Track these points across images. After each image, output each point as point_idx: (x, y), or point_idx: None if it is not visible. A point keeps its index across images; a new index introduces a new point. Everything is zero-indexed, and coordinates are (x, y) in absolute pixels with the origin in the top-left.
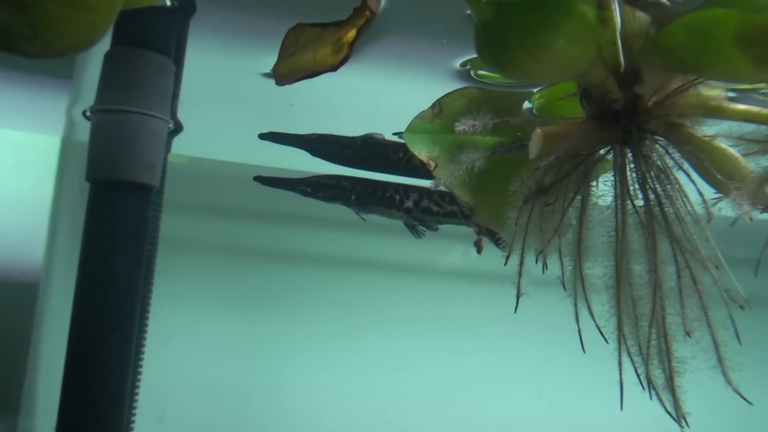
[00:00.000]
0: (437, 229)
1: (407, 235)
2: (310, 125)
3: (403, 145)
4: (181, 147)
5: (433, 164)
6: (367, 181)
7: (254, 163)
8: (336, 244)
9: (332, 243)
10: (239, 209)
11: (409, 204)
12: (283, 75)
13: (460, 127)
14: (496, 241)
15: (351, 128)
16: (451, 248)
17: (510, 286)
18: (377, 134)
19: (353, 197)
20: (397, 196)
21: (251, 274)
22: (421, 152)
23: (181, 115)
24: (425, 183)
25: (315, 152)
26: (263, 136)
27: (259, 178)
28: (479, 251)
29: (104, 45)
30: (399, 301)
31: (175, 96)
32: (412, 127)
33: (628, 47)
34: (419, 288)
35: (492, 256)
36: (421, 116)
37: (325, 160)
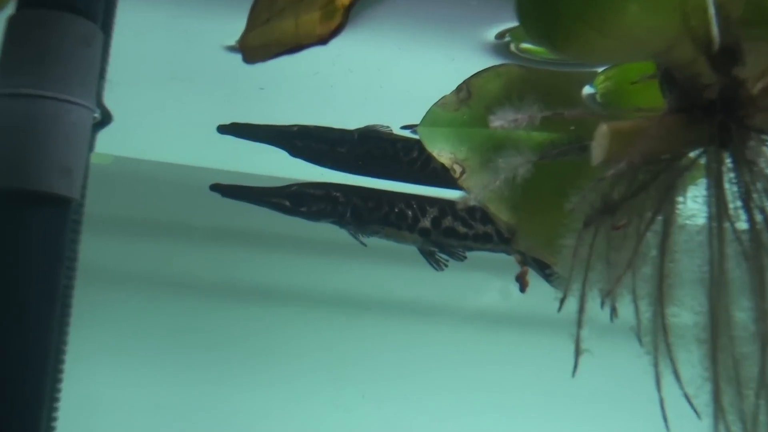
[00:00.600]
0: (465, 257)
1: (424, 266)
2: (289, 114)
3: (418, 142)
4: (107, 143)
5: (459, 170)
6: (367, 191)
7: (211, 167)
8: (324, 278)
9: (319, 276)
10: (187, 228)
11: (426, 223)
12: (253, 49)
13: (496, 121)
14: (547, 275)
15: (345, 118)
16: (484, 284)
17: (565, 337)
18: (381, 126)
19: (349, 214)
20: (410, 213)
21: (203, 317)
22: (443, 153)
23: (110, 100)
24: (448, 194)
25: (296, 151)
26: (224, 129)
27: (217, 187)
28: (523, 288)
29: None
30: (412, 356)
31: (102, 75)
32: (430, 119)
33: (724, 15)
34: (440, 338)
35: (540, 295)
36: (442, 103)
37: (310, 163)
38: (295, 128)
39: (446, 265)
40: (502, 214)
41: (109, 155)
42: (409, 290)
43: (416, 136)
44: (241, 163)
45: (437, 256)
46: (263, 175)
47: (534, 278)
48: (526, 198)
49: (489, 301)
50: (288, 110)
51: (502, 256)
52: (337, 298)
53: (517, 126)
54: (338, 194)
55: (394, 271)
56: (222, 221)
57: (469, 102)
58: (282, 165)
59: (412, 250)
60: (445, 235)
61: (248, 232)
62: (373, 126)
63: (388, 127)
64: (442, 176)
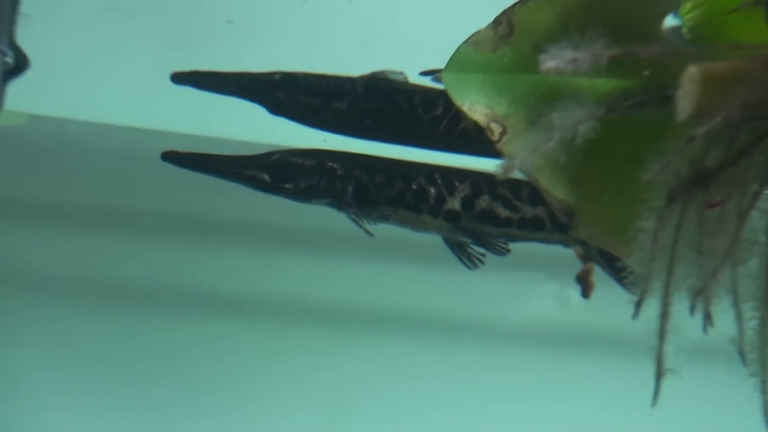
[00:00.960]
0: (507, 250)
1: (451, 263)
2: (267, 57)
3: (442, 94)
4: (22, 98)
5: (497, 130)
6: (375, 161)
7: (162, 129)
8: (316, 281)
9: (308, 278)
10: (131, 214)
11: (454, 204)
12: None
13: (549, 61)
14: (617, 272)
15: (343, 62)
16: (532, 288)
17: (642, 354)
18: (393, 73)
19: (350, 191)
20: (433, 190)
21: (149, 330)
22: (476, 107)
23: (24, 40)
24: (484, 164)
25: (278, 107)
26: (181, 79)
27: (172, 156)
28: (586, 292)
29: None
30: (435, 387)
31: (14, 8)
32: (458, 62)
33: None
34: (473, 362)
35: (608, 300)
36: (474, 41)
37: (297, 123)
38: (277, 76)
39: (482, 262)
40: (557, 190)
41: (24, 114)
42: (430, 297)
43: (439, 86)
44: (202, 125)
45: (469, 250)
46: (232, 140)
47: (601, 278)
48: (589, 166)
49: (540, 311)
50: (266, 52)
51: (557, 248)
52: (334, 308)
53: (576, 69)
54: (335, 165)
55: (409, 271)
56: (178, 204)
57: (510, 39)
58: (259, 128)
59: (435, 241)
60: (481, 221)
61: (213, 219)
62: (382, 72)
63: (402, 74)
64: (476, 140)
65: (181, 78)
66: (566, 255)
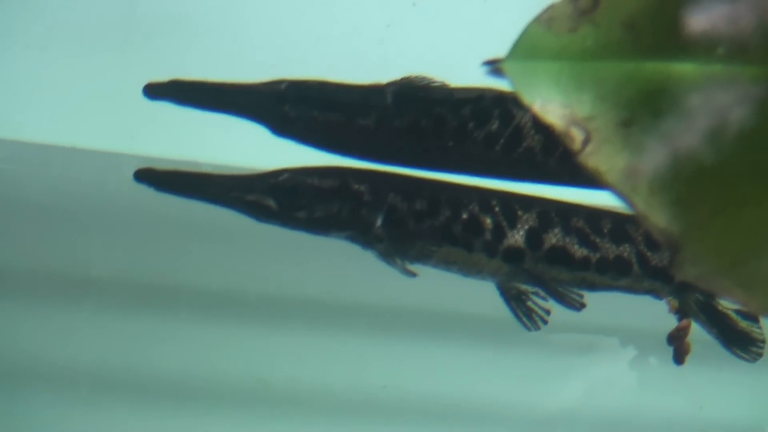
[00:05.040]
0: (582, 305)
1: (506, 319)
2: (270, 62)
3: (497, 101)
4: None
5: (579, 137)
6: (413, 183)
7: (128, 152)
8: (328, 335)
9: (317, 332)
10: (79, 243)
11: (516, 238)
12: None
13: (696, 17)
14: (726, 331)
15: (366, 62)
16: (600, 352)
17: None
18: (429, 80)
19: (380, 220)
20: (488, 220)
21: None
22: (550, 106)
23: None
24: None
25: (284, 126)
26: (156, 91)
27: (148, 176)
28: (680, 357)
29: None
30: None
31: None
32: (525, 45)
33: None
34: None
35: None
36: (547, 18)
37: (309, 147)
38: (284, 86)
39: (545, 322)
40: (658, 215)
41: None
42: (485, 366)
43: (494, 89)
44: (178, 148)
45: (531, 303)
46: (218, 165)
47: (704, 346)
48: (702, 183)
49: (609, 389)
50: (267, 54)
51: (635, 302)
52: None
53: (737, 32)
54: (362, 187)
55: (457, 330)
56: (155, 236)
57: (595, 15)
58: (257, 153)
59: (487, 291)
60: (550, 261)
61: (190, 249)
62: (417, 78)
63: (441, 82)
64: (543, 163)
65: (156, 91)
66: (655, 315)
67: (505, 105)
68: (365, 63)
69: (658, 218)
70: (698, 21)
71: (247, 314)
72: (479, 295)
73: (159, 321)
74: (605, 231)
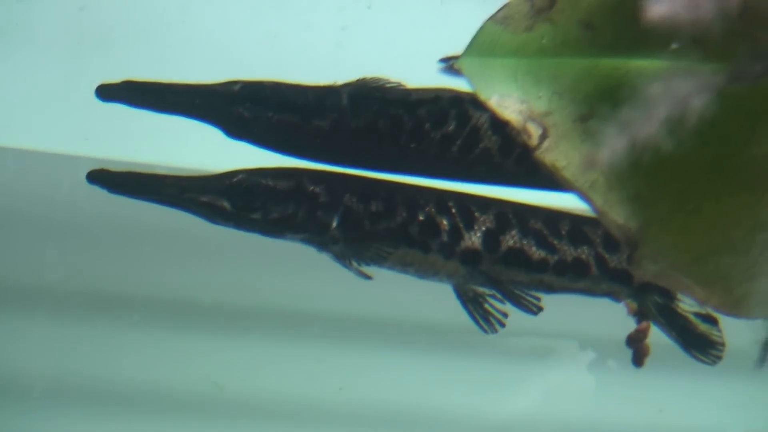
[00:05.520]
0: (539, 308)
1: (463, 323)
2: (223, 63)
3: (454, 102)
4: None
5: (536, 132)
6: (370, 183)
7: (85, 155)
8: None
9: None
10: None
11: (473, 241)
12: None
13: (657, 5)
14: (684, 333)
15: (322, 65)
16: (560, 355)
17: None
18: (384, 81)
19: (335, 224)
20: (445, 222)
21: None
22: (507, 102)
23: None
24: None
25: (239, 128)
26: (109, 92)
27: (101, 178)
28: (639, 359)
29: None
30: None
31: None
32: (482, 42)
33: None
34: None
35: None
36: (503, 16)
37: (263, 149)
38: (238, 86)
39: (503, 325)
40: (616, 211)
41: None
42: (434, 376)
43: (450, 90)
44: (132, 149)
45: (488, 306)
46: (172, 167)
47: (660, 350)
48: (661, 177)
49: (568, 391)
50: (213, 58)
51: (590, 304)
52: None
53: (696, 20)
54: (318, 188)
55: (410, 334)
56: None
57: (552, 13)
58: (209, 156)
59: (443, 294)
60: (507, 263)
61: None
62: (373, 79)
63: (398, 82)
64: (500, 164)
65: (109, 92)
66: (594, 316)
67: (462, 106)
68: (321, 65)
69: (617, 214)
70: (658, 11)
71: (202, 320)
72: (435, 299)
73: (113, 328)
74: (563, 233)
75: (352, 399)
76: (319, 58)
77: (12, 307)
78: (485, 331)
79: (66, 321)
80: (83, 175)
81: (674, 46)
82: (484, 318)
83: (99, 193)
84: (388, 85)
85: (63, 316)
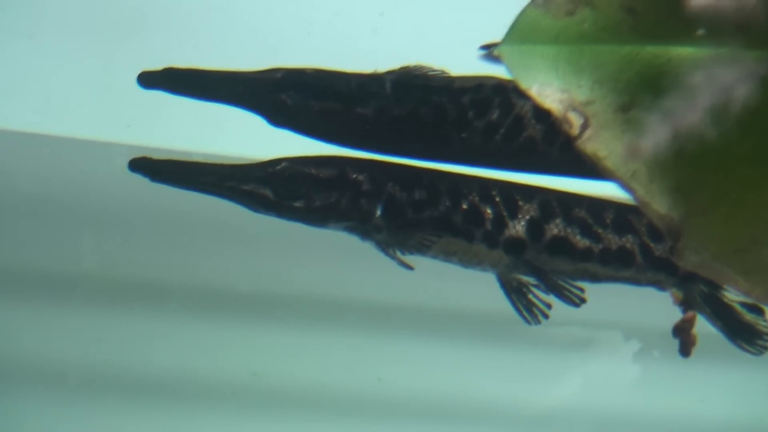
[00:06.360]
0: (582, 300)
1: (504, 313)
2: (262, 50)
3: (498, 89)
4: None
5: (577, 121)
6: (413, 172)
7: (124, 142)
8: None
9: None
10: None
11: (517, 228)
12: None
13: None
14: (731, 323)
15: (358, 51)
16: (603, 345)
17: None
18: (428, 68)
19: (379, 210)
20: (489, 210)
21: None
22: (547, 91)
23: None
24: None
25: (281, 115)
26: (151, 80)
27: (144, 166)
28: (686, 349)
29: None
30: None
31: None
32: (522, 29)
33: None
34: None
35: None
36: (543, 2)
37: (304, 136)
38: (280, 74)
39: (546, 316)
40: (658, 201)
41: None
42: (488, 368)
43: (495, 77)
44: (172, 137)
45: (531, 296)
46: (212, 155)
47: (709, 340)
48: (703, 168)
49: (615, 381)
50: (252, 44)
51: (634, 294)
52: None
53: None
54: (361, 177)
55: (458, 326)
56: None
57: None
58: (252, 144)
59: (487, 283)
60: (552, 252)
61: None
62: (416, 66)
63: (442, 69)
64: (545, 152)
65: (151, 80)
66: (640, 305)
67: (506, 94)
68: (358, 52)
69: (659, 205)
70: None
71: (239, 308)
72: (476, 289)
73: (151, 317)
74: (608, 221)
75: (390, 389)
76: (355, 45)
77: (49, 295)
78: (528, 322)
79: (102, 310)
80: (124, 162)
81: (721, 31)
82: (527, 308)
83: (138, 181)
84: (432, 73)
85: (99, 304)
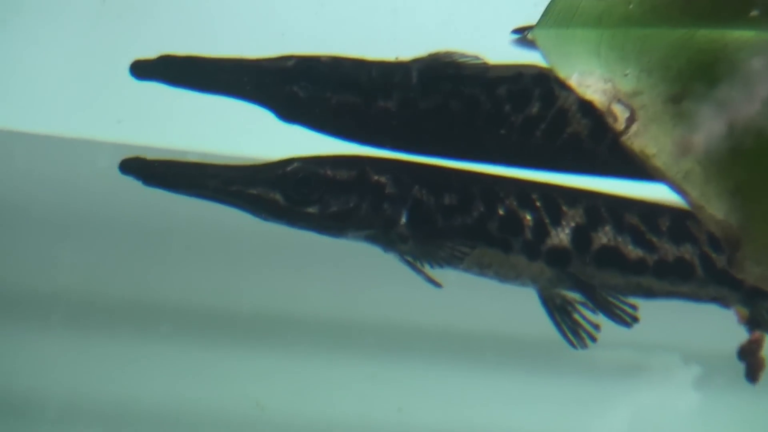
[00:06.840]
0: (635, 319)
1: (545, 335)
2: (272, 34)
3: (539, 79)
4: None
5: (623, 114)
6: (442, 173)
7: (111, 140)
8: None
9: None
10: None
11: (560, 237)
12: None
13: None
14: None
15: (376, 35)
16: (655, 372)
17: None
18: (460, 55)
19: (404, 217)
20: (529, 217)
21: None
22: (589, 81)
23: None
24: (609, 184)
25: (293, 110)
26: (144, 70)
27: (136, 167)
28: (754, 374)
29: None
30: None
31: None
32: (560, 10)
33: None
34: None
35: None
36: None
37: (319, 132)
38: (291, 62)
39: (594, 340)
40: (715, 205)
41: None
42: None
43: (533, 66)
44: (166, 135)
45: (577, 316)
46: (213, 155)
47: None
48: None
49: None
50: (260, 28)
51: (696, 312)
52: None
53: None
54: (383, 179)
55: (495, 351)
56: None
57: None
58: (261, 141)
59: (527, 301)
60: (600, 264)
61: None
62: (446, 53)
63: (477, 56)
64: (591, 150)
65: (145, 69)
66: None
67: (548, 84)
68: (375, 35)
69: (715, 209)
70: None
71: (240, 331)
72: (513, 308)
73: (140, 340)
74: (663, 229)
75: (412, 422)
76: (372, 27)
77: (23, 315)
78: (573, 346)
79: (84, 332)
80: (114, 163)
81: None
82: (572, 330)
83: (129, 184)
84: (463, 60)
85: (81, 325)
